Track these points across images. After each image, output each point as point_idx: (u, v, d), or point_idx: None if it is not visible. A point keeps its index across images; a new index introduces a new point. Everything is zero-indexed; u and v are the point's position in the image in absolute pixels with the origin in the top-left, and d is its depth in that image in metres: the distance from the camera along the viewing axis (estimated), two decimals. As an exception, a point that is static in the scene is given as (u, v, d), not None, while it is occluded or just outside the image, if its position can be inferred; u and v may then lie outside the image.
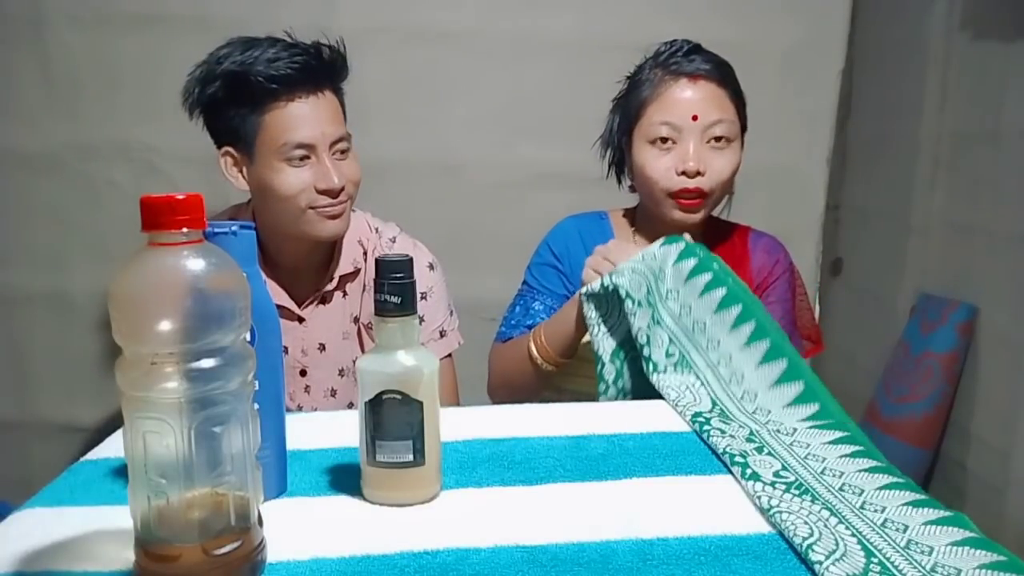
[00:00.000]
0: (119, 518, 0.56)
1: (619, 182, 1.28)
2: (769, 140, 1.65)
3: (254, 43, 1.11)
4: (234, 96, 1.11)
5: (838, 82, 1.75)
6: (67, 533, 0.61)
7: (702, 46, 1.18)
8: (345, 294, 1.27)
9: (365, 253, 1.27)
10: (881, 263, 1.98)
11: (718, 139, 1.14)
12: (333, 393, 1.28)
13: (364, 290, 1.27)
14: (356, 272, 1.26)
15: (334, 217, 1.16)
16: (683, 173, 1.13)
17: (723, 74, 1.16)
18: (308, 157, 1.13)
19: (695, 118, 1.13)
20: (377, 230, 1.29)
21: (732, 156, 1.16)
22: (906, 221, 1.86)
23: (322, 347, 1.26)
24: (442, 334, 1.30)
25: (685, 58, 1.15)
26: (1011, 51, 1.53)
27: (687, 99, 1.14)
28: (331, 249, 1.25)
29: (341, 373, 1.28)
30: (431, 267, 1.29)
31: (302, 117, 1.12)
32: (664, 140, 1.14)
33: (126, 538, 0.54)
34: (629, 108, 1.20)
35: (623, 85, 1.24)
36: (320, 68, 1.14)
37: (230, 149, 1.16)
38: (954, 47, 1.70)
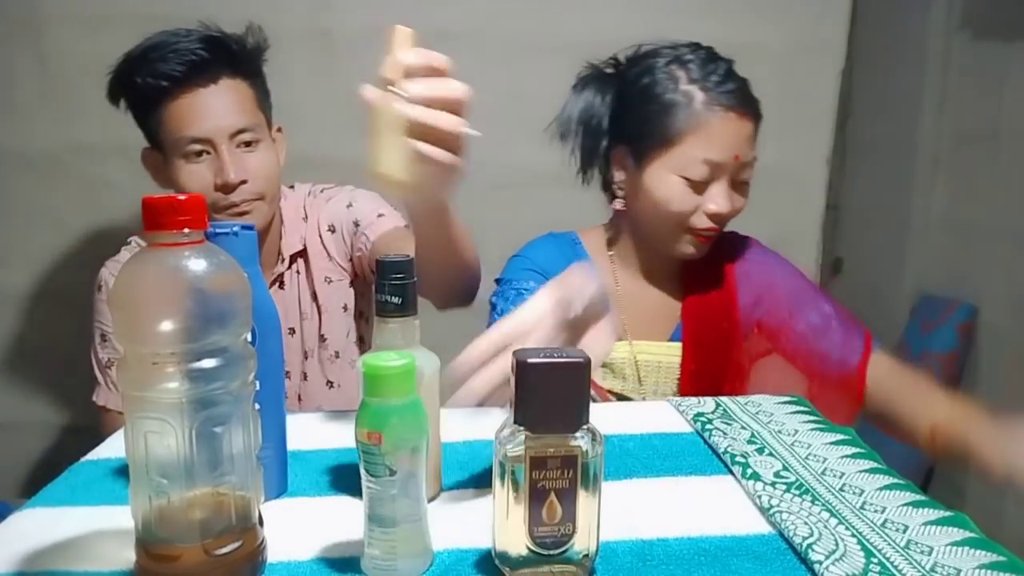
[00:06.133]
0: (119, 518, 0.56)
1: (583, 180, 1.16)
2: (769, 140, 1.65)
3: (158, 39, 1.10)
4: (128, 98, 1.12)
5: (838, 82, 1.75)
6: (67, 533, 0.62)
7: (727, 61, 1.06)
8: (299, 272, 1.26)
9: (306, 218, 1.26)
10: (881, 263, 1.98)
11: (744, 182, 1.06)
12: (305, 377, 1.28)
13: (311, 255, 1.25)
14: (305, 248, 1.25)
15: (240, 216, 1.12)
16: (714, 215, 1.03)
17: (756, 105, 1.06)
18: (207, 152, 1.10)
19: (737, 158, 1.03)
20: (311, 192, 1.28)
21: (747, 194, 1.07)
22: (906, 221, 1.86)
23: (292, 331, 1.26)
24: (380, 216, 1.23)
25: (725, 81, 1.03)
26: (1011, 51, 1.53)
27: (734, 137, 1.02)
28: (276, 233, 1.23)
29: (306, 356, 1.28)
30: (352, 189, 1.29)
31: (193, 110, 1.08)
32: (699, 180, 1.03)
33: (126, 538, 0.54)
34: (651, 126, 1.05)
35: (603, 66, 1.12)
36: (211, 57, 1.09)
37: (148, 148, 1.16)
38: (954, 47, 1.70)
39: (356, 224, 1.22)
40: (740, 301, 1.14)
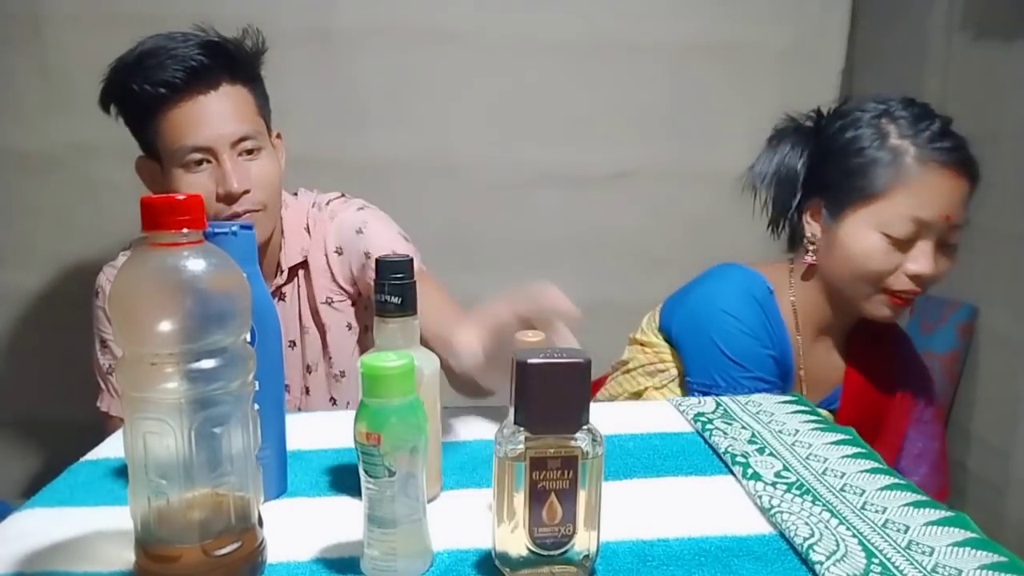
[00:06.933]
0: (119, 518, 0.56)
1: (775, 230, 1.12)
2: (769, 140, 1.65)
3: (154, 44, 1.07)
4: (123, 105, 1.09)
5: (838, 82, 1.75)
6: (67, 533, 0.61)
7: (944, 118, 1.01)
8: (299, 286, 1.22)
9: (310, 232, 1.22)
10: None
11: (951, 244, 0.99)
12: (307, 391, 1.25)
13: (314, 271, 1.21)
14: (305, 261, 1.21)
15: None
16: (915, 276, 0.98)
17: (976, 169, 1.00)
18: (208, 161, 1.07)
19: (948, 218, 0.97)
20: (315, 204, 1.23)
21: (952, 259, 1.01)
22: (906, 221, 1.85)
23: (292, 344, 1.23)
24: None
25: (955, 145, 0.98)
26: (1011, 51, 1.52)
27: (947, 196, 0.97)
28: (276, 245, 1.20)
29: (309, 370, 1.24)
30: (361, 208, 1.23)
31: (192, 118, 1.05)
32: (904, 238, 0.98)
33: (126, 538, 0.54)
34: (854, 178, 1.00)
35: (802, 120, 1.09)
36: (210, 63, 1.06)
37: (143, 156, 1.13)
38: (954, 47, 1.70)
39: (367, 255, 1.17)
40: (899, 390, 1.13)
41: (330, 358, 1.24)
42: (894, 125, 1.00)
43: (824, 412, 1.06)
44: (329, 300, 1.22)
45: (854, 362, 1.12)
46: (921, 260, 0.98)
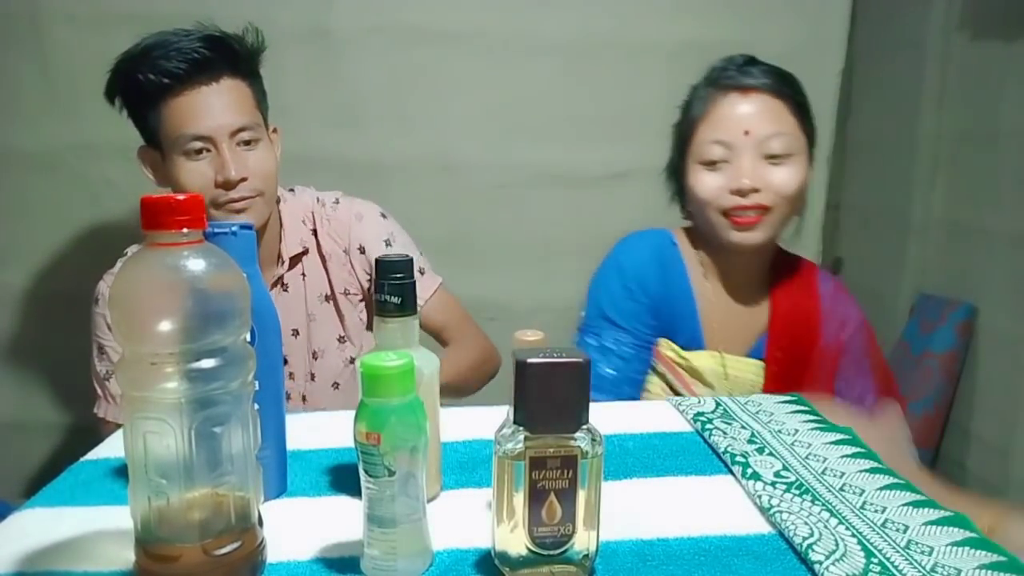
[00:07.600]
0: (119, 518, 0.56)
1: (683, 211, 1.20)
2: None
3: (159, 38, 1.11)
4: (128, 95, 1.13)
5: (838, 82, 1.75)
6: (67, 533, 0.62)
7: (758, 58, 1.11)
8: (304, 275, 1.26)
9: (315, 231, 1.26)
10: (881, 263, 1.98)
11: (776, 155, 1.06)
12: (312, 377, 1.28)
13: (326, 261, 1.27)
14: (306, 251, 1.26)
15: (238, 212, 1.13)
16: (737, 192, 1.06)
17: (780, 84, 1.08)
18: (208, 150, 1.11)
19: (747, 133, 1.05)
20: (319, 200, 1.28)
21: (794, 170, 1.07)
22: (906, 221, 1.85)
23: (295, 332, 1.26)
24: (422, 272, 1.29)
25: (738, 71, 1.09)
26: (1010, 51, 1.53)
27: (738, 114, 1.07)
28: (275, 234, 1.24)
29: (315, 356, 1.28)
30: (384, 216, 1.30)
31: (194, 108, 1.10)
32: (716, 161, 1.07)
33: (126, 538, 0.54)
34: (681, 130, 1.13)
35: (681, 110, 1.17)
36: (213, 57, 1.11)
37: (145, 145, 1.17)
38: (953, 47, 1.70)
39: None
40: (824, 330, 1.15)
41: (346, 341, 1.29)
42: (707, 76, 1.12)
43: (755, 361, 1.13)
44: (346, 291, 1.28)
45: (778, 308, 1.15)
46: (735, 175, 1.06)
